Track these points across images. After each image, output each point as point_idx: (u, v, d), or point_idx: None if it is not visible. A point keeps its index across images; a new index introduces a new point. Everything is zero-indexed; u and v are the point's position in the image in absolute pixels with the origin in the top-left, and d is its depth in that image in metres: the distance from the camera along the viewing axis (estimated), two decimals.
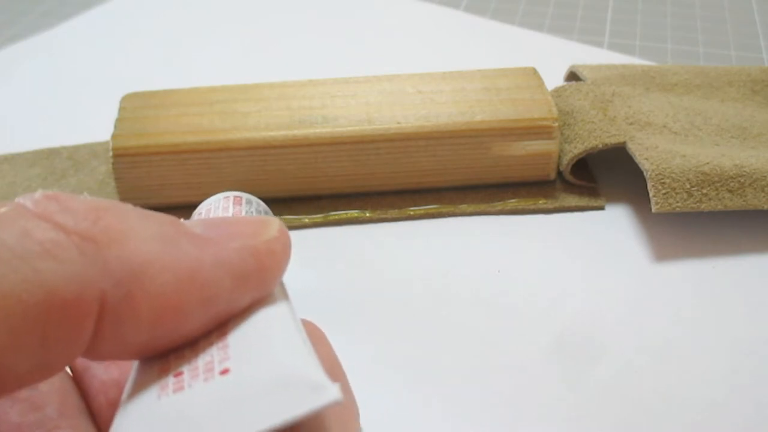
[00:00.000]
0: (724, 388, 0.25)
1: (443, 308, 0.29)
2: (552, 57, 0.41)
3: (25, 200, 0.13)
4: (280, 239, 0.16)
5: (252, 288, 0.15)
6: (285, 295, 0.16)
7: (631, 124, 0.33)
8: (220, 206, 0.25)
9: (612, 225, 0.32)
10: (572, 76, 0.39)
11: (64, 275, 0.12)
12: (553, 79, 0.37)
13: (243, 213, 0.25)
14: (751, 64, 0.44)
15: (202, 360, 0.14)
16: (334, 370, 0.17)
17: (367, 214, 0.33)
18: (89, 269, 0.13)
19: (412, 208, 0.33)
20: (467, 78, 0.35)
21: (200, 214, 0.25)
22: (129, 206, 0.14)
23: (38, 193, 0.14)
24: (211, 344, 0.14)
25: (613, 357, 0.27)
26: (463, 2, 0.52)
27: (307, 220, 0.33)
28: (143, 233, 0.14)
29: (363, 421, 0.25)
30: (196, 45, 0.47)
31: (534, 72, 0.35)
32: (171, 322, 0.14)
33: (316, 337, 0.18)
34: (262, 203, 0.27)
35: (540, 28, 0.49)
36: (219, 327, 0.15)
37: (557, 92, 0.36)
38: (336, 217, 0.33)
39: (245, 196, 0.26)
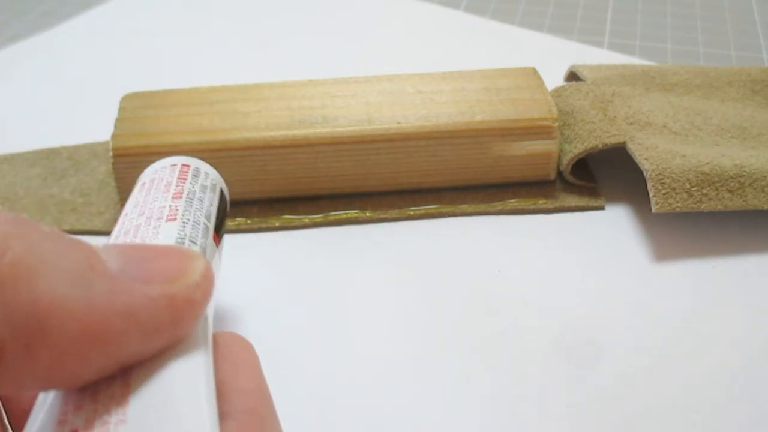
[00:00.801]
0: (724, 388, 0.25)
1: (443, 308, 0.29)
2: (552, 57, 0.41)
3: None
4: (201, 285, 0.15)
5: (163, 339, 0.15)
6: (203, 334, 0.16)
7: (631, 124, 0.33)
8: (163, 183, 0.24)
9: (612, 225, 0.32)
10: (572, 76, 0.39)
11: None
12: (553, 79, 0.37)
13: (184, 194, 0.23)
14: (751, 64, 0.44)
15: (99, 420, 0.14)
16: (259, 397, 0.16)
17: (367, 214, 0.33)
18: None
19: (412, 208, 0.33)
20: (467, 78, 0.35)
21: (143, 184, 0.24)
22: (46, 231, 0.13)
23: None
24: (111, 397, 0.14)
25: (612, 357, 0.27)
26: (463, 2, 0.52)
27: (307, 220, 0.33)
28: (55, 270, 0.13)
29: (364, 419, 0.25)
30: (196, 45, 0.47)
31: (534, 72, 0.35)
32: (71, 369, 0.13)
33: (241, 360, 0.17)
34: (211, 173, 0.25)
35: (540, 28, 0.49)
36: (124, 373, 0.14)
37: (557, 92, 0.36)
38: (336, 217, 0.33)
39: (193, 166, 0.25)
